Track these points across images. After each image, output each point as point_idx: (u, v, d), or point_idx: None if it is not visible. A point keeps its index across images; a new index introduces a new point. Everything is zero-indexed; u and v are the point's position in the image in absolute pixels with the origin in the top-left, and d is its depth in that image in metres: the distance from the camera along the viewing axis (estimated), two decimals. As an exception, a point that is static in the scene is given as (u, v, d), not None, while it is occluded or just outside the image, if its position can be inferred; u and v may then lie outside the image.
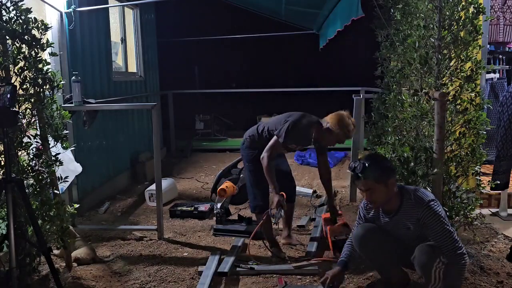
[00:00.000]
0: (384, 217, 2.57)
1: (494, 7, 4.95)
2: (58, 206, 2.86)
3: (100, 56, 5.11)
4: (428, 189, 2.84)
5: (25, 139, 2.72)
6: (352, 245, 2.68)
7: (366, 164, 2.40)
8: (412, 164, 2.92)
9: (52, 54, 2.92)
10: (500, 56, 5.58)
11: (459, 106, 2.93)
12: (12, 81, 2.61)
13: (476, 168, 3.02)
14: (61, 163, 2.89)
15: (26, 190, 2.52)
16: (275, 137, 3.24)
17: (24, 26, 2.62)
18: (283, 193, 3.21)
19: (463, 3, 2.78)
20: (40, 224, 2.65)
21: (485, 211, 4.06)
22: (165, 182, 4.74)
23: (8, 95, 2.26)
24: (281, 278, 2.95)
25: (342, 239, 3.24)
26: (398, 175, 3.07)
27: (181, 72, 9.48)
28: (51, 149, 2.87)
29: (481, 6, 2.80)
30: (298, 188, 5.34)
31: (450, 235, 2.33)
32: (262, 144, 3.30)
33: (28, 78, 2.69)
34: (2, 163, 2.54)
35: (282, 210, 3.18)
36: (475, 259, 3.15)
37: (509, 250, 3.22)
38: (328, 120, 3.23)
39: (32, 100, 2.74)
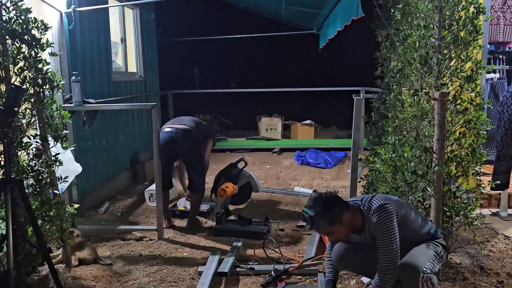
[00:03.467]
0: (354, 235, 2.48)
1: (494, 7, 4.95)
2: (58, 206, 2.85)
3: (100, 56, 5.10)
4: (428, 189, 2.85)
5: (25, 139, 2.72)
6: (332, 262, 2.62)
7: (313, 217, 2.27)
8: (412, 164, 2.93)
9: (52, 54, 2.92)
10: (500, 56, 5.59)
11: (459, 106, 2.93)
12: (12, 81, 2.61)
13: (476, 168, 3.02)
14: (61, 163, 2.89)
15: (26, 190, 2.51)
16: None
17: (24, 26, 2.62)
18: None
19: (463, 3, 2.78)
20: (40, 224, 2.64)
21: (485, 211, 4.06)
22: (165, 182, 4.72)
23: (15, 96, 2.27)
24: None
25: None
26: (397, 175, 3.07)
27: (181, 72, 9.47)
28: (51, 149, 2.87)
29: (481, 6, 2.80)
30: (298, 188, 5.36)
31: (390, 247, 2.25)
32: None
33: (28, 78, 2.69)
34: (2, 163, 2.54)
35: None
36: (475, 259, 3.15)
37: (510, 250, 3.22)
38: None
39: (32, 100, 2.74)
